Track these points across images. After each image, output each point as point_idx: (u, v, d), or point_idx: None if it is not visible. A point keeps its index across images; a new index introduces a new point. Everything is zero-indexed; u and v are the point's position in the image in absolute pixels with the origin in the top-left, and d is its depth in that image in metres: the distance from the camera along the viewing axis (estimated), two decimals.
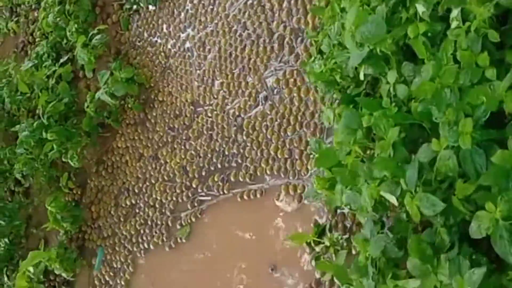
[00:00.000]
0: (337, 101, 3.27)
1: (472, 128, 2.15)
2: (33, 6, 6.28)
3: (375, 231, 2.60)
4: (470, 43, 2.30)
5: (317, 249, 3.45)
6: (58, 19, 5.51)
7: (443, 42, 2.47)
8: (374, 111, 2.72)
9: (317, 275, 3.48)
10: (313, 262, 3.49)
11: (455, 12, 2.36)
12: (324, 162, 2.92)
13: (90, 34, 5.14)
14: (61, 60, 5.46)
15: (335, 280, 3.11)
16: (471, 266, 2.06)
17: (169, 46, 4.87)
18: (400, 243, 2.52)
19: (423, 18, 2.47)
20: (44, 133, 5.17)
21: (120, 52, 5.33)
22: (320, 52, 3.49)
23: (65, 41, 5.50)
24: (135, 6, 5.20)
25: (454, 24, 2.36)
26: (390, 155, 2.59)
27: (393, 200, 2.42)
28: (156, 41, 5.00)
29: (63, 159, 5.21)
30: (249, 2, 4.29)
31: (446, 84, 2.38)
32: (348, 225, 3.40)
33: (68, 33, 5.35)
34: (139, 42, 5.17)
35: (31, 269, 4.86)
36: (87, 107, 5.09)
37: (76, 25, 5.29)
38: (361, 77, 2.94)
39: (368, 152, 2.84)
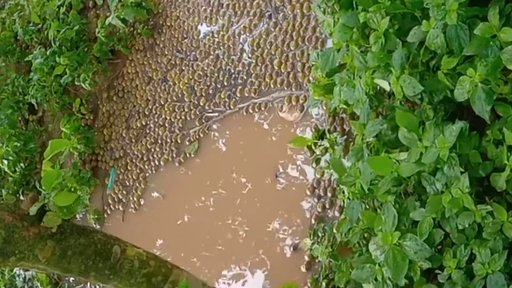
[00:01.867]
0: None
1: (458, 5, 2.34)
2: None
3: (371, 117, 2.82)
4: None
5: (317, 151, 3.69)
6: None
7: None
8: (369, 7, 2.91)
9: (317, 175, 3.74)
10: (314, 164, 3.73)
11: None
12: (323, 66, 3.11)
13: None
14: None
15: (333, 174, 3.35)
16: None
17: None
18: (393, 128, 2.74)
19: None
20: (57, 58, 5.38)
21: None
22: None
23: None
24: None
25: None
26: (382, 43, 2.79)
27: (385, 85, 2.64)
28: None
29: (76, 83, 5.43)
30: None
31: None
32: (347, 129, 3.64)
33: None
34: None
35: None
36: (98, 32, 5.28)
37: None
38: None
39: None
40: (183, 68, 4.87)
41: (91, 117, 5.72)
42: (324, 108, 3.77)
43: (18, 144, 5.69)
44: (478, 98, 2.21)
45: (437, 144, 2.32)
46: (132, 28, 5.34)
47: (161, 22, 5.14)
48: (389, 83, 2.64)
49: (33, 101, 5.78)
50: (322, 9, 3.41)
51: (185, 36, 4.89)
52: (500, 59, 2.27)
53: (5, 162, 5.77)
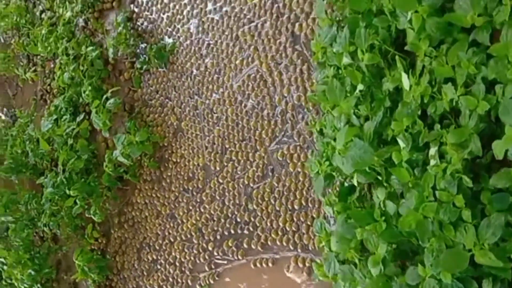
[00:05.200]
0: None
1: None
2: (49, 57, 6.52)
3: None
4: (447, 185, 2.51)
5: None
6: (73, 77, 5.77)
7: (424, 173, 2.67)
8: (365, 224, 2.95)
9: None
10: None
11: (432, 151, 2.56)
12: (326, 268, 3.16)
13: (103, 98, 5.38)
14: (78, 119, 5.70)
15: None
16: None
17: (179, 109, 5.09)
18: None
19: (404, 153, 2.67)
20: (67, 191, 5.48)
21: (134, 108, 5.57)
22: (321, 132, 3.70)
23: (81, 99, 5.74)
24: (145, 66, 5.40)
25: (432, 162, 2.56)
26: (381, 269, 2.83)
27: None
28: (167, 102, 5.23)
29: (86, 214, 5.52)
30: (252, 75, 4.49)
31: (428, 216, 2.60)
32: None
33: (83, 94, 5.59)
34: (151, 100, 5.40)
35: None
36: (106, 166, 5.36)
37: (90, 87, 5.54)
38: (355, 183, 3.15)
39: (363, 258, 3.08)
40: (190, 207, 4.92)
41: (104, 241, 5.80)
42: None
43: (33, 273, 5.80)
44: None
45: None
46: (139, 157, 5.40)
47: (167, 156, 5.20)
48: None
49: (45, 229, 5.88)
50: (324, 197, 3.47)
51: (190, 175, 4.95)
52: None
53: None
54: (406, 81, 2.77)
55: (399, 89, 2.96)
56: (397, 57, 2.84)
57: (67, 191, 5.45)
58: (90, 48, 5.70)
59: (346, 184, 3.31)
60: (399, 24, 2.83)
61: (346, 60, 3.17)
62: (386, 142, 2.96)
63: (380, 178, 2.99)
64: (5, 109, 7.46)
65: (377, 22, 2.94)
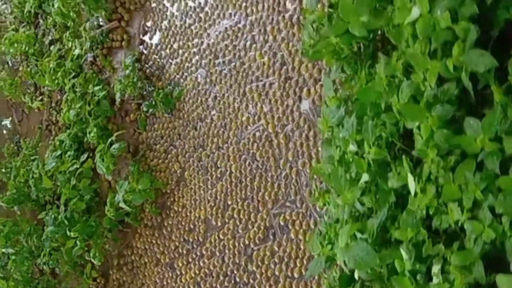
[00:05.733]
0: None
1: None
2: (56, 89, 6.51)
3: None
4: None
5: None
6: (79, 114, 5.75)
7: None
8: None
9: None
10: None
11: (436, 268, 2.50)
12: None
13: (108, 141, 5.34)
14: (82, 158, 5.67)
15: None
16: None
17: (183, 158, 5.05)
18: None
19: (407, 264, 2.62)
20: (68, 232, 5.45)
21: (138, 151, 5.54)
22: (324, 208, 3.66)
23: (85, 139, 5.71)
24: (151, 110, 5.37)
25: (435, 280, 2.51)
26: None
27: None
28: (172, 149, 5.19)
29: (86, 257, 5.50)
30: (257, 134, 4.44)
31: None
32: None
33: (88, 135, 5.57)
34: (155, 145, 5.37)
35: None
36: (107, 210, 5.33)
37: (95, 128, 5.51)
38: (356, 277, 3.10)
39: None
40: (190, 260, 4.88)
41: (102, 282, 5.77)
42: None
43: None
44: None
45: None
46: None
47: (169, 204, 5.17)
48: None
49: (45, 267, 5.86)
50: None
51: (191, 226, 4.91)
52: None
53: None
54: (412, 184, 2.72)
55: (405, 184, 2.90)
56: (404, 158, 2.78)
57: (68, 232, 5.42)
58: (98, 87, 5.67)
59: (347, 272, 3.25)
60: (408, 124, 2.77)
61: (352, 147, 3.12)
62: (391, 241, 2.90)
63: (381, 275, 2.94)
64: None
65: (385, 118, 2.89)
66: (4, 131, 7.56)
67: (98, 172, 5.70)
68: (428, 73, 2.55)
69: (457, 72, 2.48)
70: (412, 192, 2.71)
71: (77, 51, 5.88)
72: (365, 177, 3.06)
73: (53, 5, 6.03)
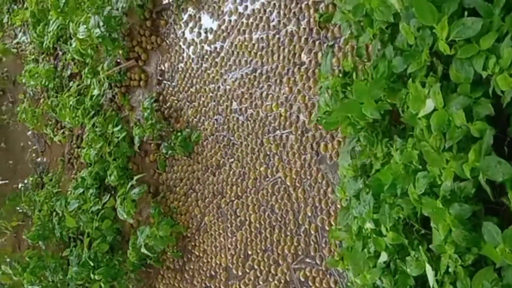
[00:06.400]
0: None
1: None
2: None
3: None
4: None
5: None
6: (99, 154, 5.78)
7: None
8: None
9: None
10: None
11: None
12: None
13: (129, 185, 5.37)
14: (104, 200, 5.71)
15: None
16: None
17: (203, 203, 5.05)
18: None
19: None
20: (91, 275, 5.51)
21: (159, 191, 5.55)
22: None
23: (106, 179, 5.75)
24: (170, 151, 5.37)
25: None
26: None
27: None
28: (192, 193, 5.19)
29: None
30: (276, 186, 4.42)
31: None
32: None
33: (109, 177, 5.60)
34: (175, 187, 5.38)
35: None
36: (130, 254, 5.36)
37: (116, 170, 5.54)
38: None
39: None
40: None
41: None
42: None
43: None
44: None
45: None
46: None
47: (190, 248, 5.18)
48: None
49: None
50: None
51: (213, 273, 4.92)
52: None
53: None
54: (430, 275, 2.69)
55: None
56: (421, 248, 2.75)
57: (91, 276, 5.48)
58: (117, 128, 5.69)
59: None
60: (425, 211, 2.73)
61: (369, 225, 3.09)
62: None
63: None
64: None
65: (401, 203, 2.85)
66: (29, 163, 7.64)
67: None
68: (444, 172, 2.50)
69: (474, 173, 2.43)
70: (431, 284, 2.67)
71: (96, 91, 5.90)
72: (383, 256, 3.03)
73: (70, 44, 6.04)
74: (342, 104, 3.11)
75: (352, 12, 3.17)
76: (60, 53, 7.04)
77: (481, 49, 2.41)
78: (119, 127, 5.70)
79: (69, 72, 6.70)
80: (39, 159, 7.50)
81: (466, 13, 2.51)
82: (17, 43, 7.71)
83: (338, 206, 4.00)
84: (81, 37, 5.70)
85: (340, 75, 3.44)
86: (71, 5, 5.95)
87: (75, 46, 5.92)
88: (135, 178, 5.42)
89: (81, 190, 5.99)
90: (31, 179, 7.24)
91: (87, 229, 5.76)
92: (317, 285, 4.10)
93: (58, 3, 6.01)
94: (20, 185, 7.45)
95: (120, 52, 5.82)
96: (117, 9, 5.67)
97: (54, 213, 6.24)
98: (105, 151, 5.72)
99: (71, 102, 6.23)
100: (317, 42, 4.20)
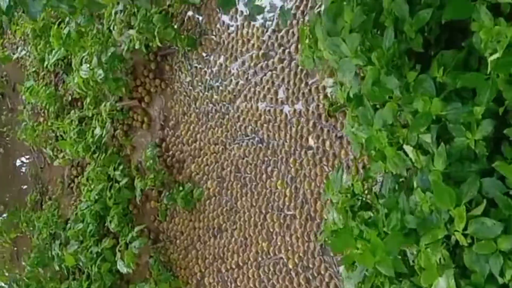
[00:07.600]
0: None
1: None
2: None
3: None
4: None
5: None
6: (100, 197, 5.72)
7: None
8: None
9: None
10: None
11: None
12: None
13: (129, 236, 5.32)
14: (104, 243, 5.66)
15: None
16: None
17: (203, 263, 5.02)
18: None
19: None
20: None
21: (159, 239, 5.52)
22: None
23: (106, 223, 5.69)
24: (171, 202, 5.30)
25: None
26: None
27: None
28: (192, 249, 5.15)
29: None
30: (278, 266, 4.38)
31: None
32: None
33: (109, 223, 5.55)
34: (176, 239, 5.34)
35: None
36: None
37: (116, 217, 5.49)
38: None
39: None
40: None
41: None
42: None
43: None
44: None
45: None
46: None
47: None
48: None
49: None
50: None
51: None
52: None
53: None
54: None
55: None
56: None
57: None
58: (118, 172, 5.60)
59: None
60: None
61: None
62: None
63: None
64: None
65: None
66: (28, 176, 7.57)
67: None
68: None
69: None
70: None
71: (98, 131, 5.78)
72: None
73: (73, 78, 5.86)
74: (355, 254, 2.99)
75: (365, 143, 3.06)
76: (61, 71, 6.87)
77: (498, 248, 2.33)
78: (120, 170, 5.60)
79: (70, 98, 6.56)
80: (38, 175, 7.42)
81: (485, 200, 2.42)
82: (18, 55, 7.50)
83: None
84: (83, 76, 5.55)
85: (349, 195, 3.35)
86: (73, 37, 5.76)
87: (77, 81, 5.76)
88: (135, 229, 5.36)
89: (81, 225, 5.94)
90: (30, 198, 7.18)
91: (86, 270, 5.73)
92: None
93: (60, 34, 5.82)
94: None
95: (123, 89, 5.67)
96: (121, 47, 5.49)
97: (53, 245, 6.20)
98: (106, 196, 5.64)
99: (72, 134, 6.12)
100: (325, 130, 4.08)
